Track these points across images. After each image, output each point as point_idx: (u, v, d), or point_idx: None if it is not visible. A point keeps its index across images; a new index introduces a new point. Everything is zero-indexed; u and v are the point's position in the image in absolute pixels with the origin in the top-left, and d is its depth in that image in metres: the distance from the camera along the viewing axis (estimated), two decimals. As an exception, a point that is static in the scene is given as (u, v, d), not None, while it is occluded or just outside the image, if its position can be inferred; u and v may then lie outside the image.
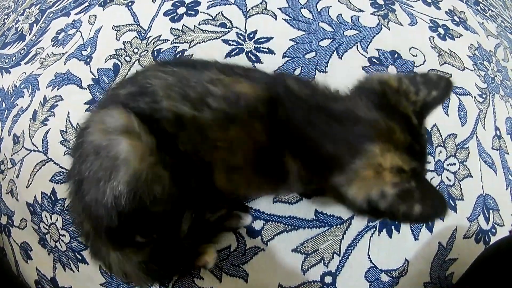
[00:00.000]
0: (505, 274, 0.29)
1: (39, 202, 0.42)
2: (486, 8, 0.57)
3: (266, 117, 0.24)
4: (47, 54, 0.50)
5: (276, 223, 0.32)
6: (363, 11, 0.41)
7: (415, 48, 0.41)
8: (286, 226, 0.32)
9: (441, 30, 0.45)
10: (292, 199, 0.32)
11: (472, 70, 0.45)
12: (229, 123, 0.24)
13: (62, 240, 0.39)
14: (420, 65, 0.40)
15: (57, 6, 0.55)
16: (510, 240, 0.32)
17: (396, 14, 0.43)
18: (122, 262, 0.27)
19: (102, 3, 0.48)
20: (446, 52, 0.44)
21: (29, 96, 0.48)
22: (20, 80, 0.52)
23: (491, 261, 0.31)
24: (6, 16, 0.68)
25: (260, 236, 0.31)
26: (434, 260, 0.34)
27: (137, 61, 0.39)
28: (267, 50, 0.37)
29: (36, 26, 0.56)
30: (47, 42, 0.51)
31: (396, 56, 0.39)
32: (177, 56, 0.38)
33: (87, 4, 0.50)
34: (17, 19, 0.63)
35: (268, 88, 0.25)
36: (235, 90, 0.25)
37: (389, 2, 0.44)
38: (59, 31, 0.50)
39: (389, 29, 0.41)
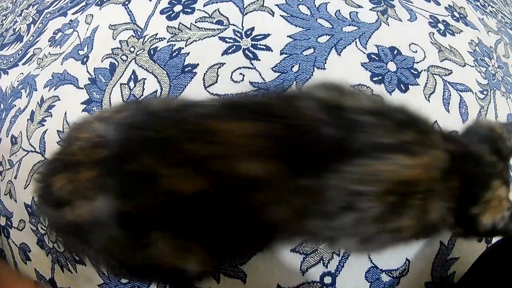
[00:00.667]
0: (508, 273, 0.28)
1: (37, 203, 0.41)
2: (486, 3, 0.56)
3: (444, 192, 0.24)
4: (44, 54, 0.49)
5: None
6: (361, 7, 0.40)
7: (415, 44, 0.40)
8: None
9: (441, 26, 0.44)
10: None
11: (473, 66, 0.44)
12: (400, 210, 0.21)
13: (60, 241, 0.39)
14: (420, 61, 0.40)
15: (55, 6, 0.55)
16: None
17: (395, 10, 0.42)
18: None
19: (99, 2, 0.47)
20: (446, 48, 0.43)
21: (26, 96, 0.48)
22: (17, 81, 0.52)
23: (494, 260, 0.30)
24: (4, 17, 0.68)
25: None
26: (436, 260, 0.33)
27: (134, 60, 0.39)
28: (264, 47, 0.36)
29: (34, 26, 0.56)
30: (45, 42, 0.51)
31: (395, 52, 0.39)
32: (173, 54, 0.37)
33: (84, 3, 0.50)
34: (14, 20, 0.62)
35: (435, 167, 0.23)
36: (397, 177, 0.20)
37: (388, -2, 0.43)
38: (56, 31, 0.50)
39: (388, 25, 0.40)
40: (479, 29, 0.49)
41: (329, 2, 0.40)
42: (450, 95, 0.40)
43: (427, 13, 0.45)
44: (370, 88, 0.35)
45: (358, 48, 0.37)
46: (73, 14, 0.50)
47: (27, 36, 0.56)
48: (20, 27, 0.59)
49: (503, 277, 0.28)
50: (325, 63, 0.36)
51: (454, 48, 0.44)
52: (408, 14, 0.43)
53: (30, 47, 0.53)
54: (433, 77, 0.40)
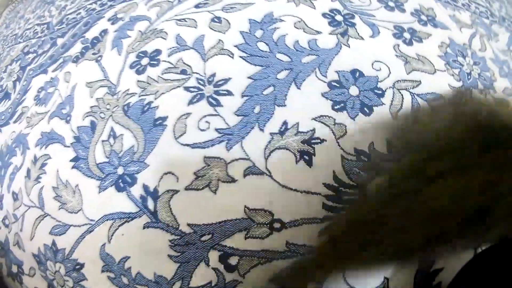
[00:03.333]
0: (497, 278, 0.32)
1: (43, 253, 0.50)
2: (458, -2, 0.59)
3: None
4: (32, 113, 0.58)
5: (250, 258, 0.37)
6: (321, 33, 0.45)
7: (379, 61, 0.45)
8: (260, 259, 0.37)
9: (406, 35, 0.48)
10: (263, 234, 0.38)
11: (444, 71, 0.47)
12: None
13: (67, 285, 0.47)
14: (385, 78, 0.44)
15: (36, 62, 0.64)
16: (503, 245, 0.35)
17: (356, 29, 0.47)
18: None
19: (75, 59, 0.55)
20: (413, 58, 0.47)
21: (21, 155, 0.57)
22: (11, 139, 0.61)
23: (482, 265, 0.34)
24: None
25: (237, 270, 0.37)
26: (417, 274, 0.38)
27: (111, 116, 0.46)
28: (226, 92, 0.42)
29: (19, 84, 0.65)
30: (31, 100, 0.60)
31: (357, 74, 0.43)
32: (145, 109, 0.44)
33: (61, 60, 0.58)
34: (1, 76, 0.72)
35: None
36: None
37: (348, 17, 0.48)
38: (39, 90, 0.59)
39: (349, 47, 0.45)
40: (450, 28, 0.52)
41: (287, 34, 0.45)
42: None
43: (391, 24, 0.49)
44: (331, 117, 0.41)
45: (318, 78, 0.42)
46: (52, 71, 0.59)
47: (14, 94, 0.66)
48: (7, 84, 0.68)
49: (492, 282, 0.32)
50: (285, 99, 0.41)
51: (423, 56, 0.47)
52: (370, 30, 0.47)
53: (18, 106, 0.63)
54: (400, 92, 0.44)
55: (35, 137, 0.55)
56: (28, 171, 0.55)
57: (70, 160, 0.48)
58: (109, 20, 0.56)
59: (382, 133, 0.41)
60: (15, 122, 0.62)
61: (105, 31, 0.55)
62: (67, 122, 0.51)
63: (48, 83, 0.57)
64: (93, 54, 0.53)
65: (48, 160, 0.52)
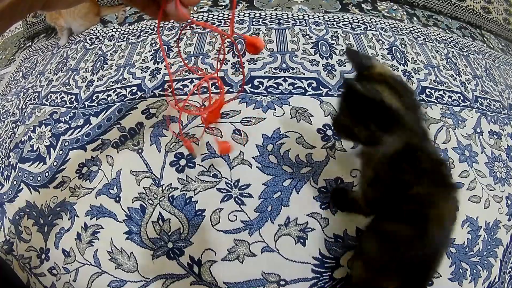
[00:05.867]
0: None
1: (101, 298, 0.76)
2: (432, 93, 0.86)
3: None
4: (76, 185, 0.79)
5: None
6: (315, 147, 0.72)
7: (355, 169, 0.72)
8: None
9: (376, 142, 0.76)
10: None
11: (401, 167, 0.77)
12: None
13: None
14: (357, 184, 0.72)
15: (69, 135, 0.83)
16: None
17: (341, 141, 0.73)
18: None
19: (115, 145, 0.76)
20: (379, 160, 0.75)
21: (68, 220, 0.79)
22: (53, 203, 0.82)
23: None
24: (14, 125, 0.94)
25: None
26: None
27: (158, 204, 0.70)
28: (248, 195, 0.68)
29: (54, 152, 0.84)
30: (72, 172, 0.80)
31: (339, 181, 0.71)
32: (187, 201, 0.69)
33: (100, 142, 0.78)
34: (28, 134, 0.90)
35: None
36: None
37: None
38: (81, 165, 0.79)
39: (335, 159, 0.72)
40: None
41: (290, 149, 0.71)
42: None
43: (366, 133, 0.76)
44: (319, 214, 0.69)
45: (312, 185, 0.69)
46: (92, 150, 0.79)
47: (49, 159, 0.85)
48: (39, 147, 0.87)
49: None
50: (289, 201, 0.68)
51: (386, 157, 0.76)
52: (351, 142, 0.74)
53: (57, 173, 0.83)
54: (367, 189, 0.73)
55: (84, 208, 0.77)
56: (79, 234, 0.77)
57: (124, 233, 0.73)
58: (142, 113, 0.77)
59: (352, 223, 0.70)
60: (56, 188, 0.82)
61: (141, 124, 0.76)
62: (117, 201, 0.74)
63: (90, 161, 0.78)
64: (133, 145, 0.75)
65: (101, 230, 0.75)
